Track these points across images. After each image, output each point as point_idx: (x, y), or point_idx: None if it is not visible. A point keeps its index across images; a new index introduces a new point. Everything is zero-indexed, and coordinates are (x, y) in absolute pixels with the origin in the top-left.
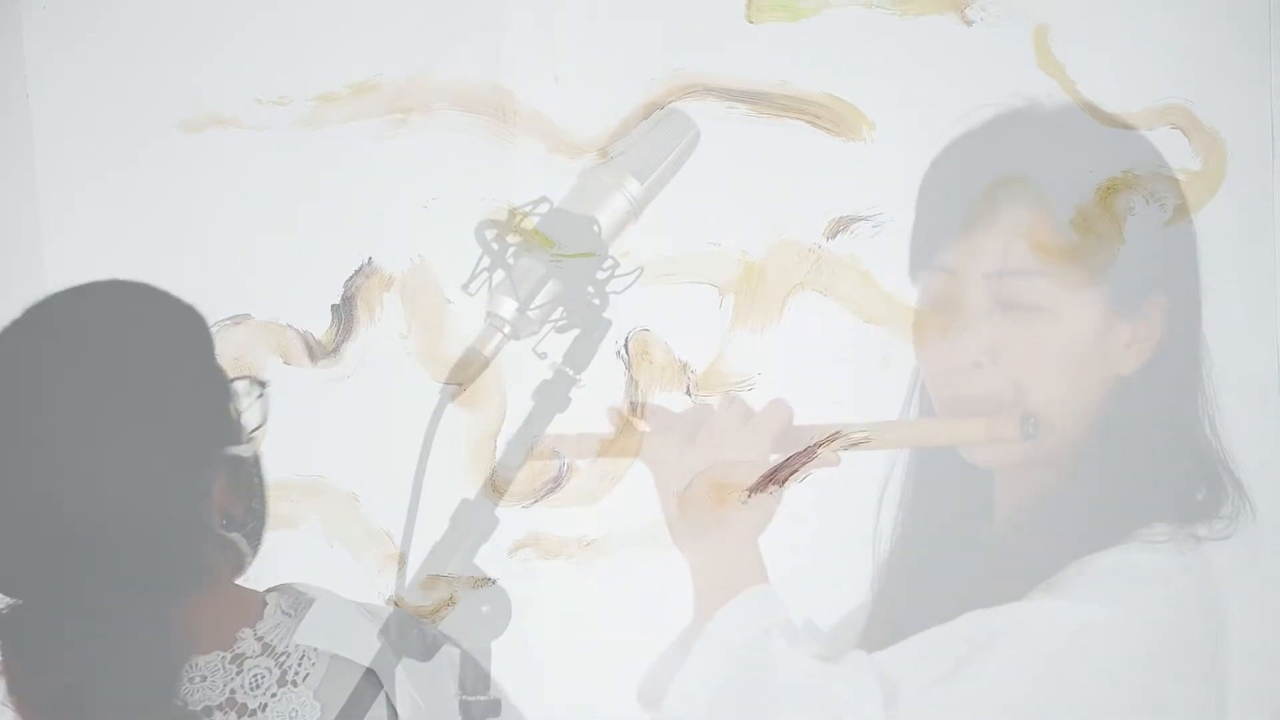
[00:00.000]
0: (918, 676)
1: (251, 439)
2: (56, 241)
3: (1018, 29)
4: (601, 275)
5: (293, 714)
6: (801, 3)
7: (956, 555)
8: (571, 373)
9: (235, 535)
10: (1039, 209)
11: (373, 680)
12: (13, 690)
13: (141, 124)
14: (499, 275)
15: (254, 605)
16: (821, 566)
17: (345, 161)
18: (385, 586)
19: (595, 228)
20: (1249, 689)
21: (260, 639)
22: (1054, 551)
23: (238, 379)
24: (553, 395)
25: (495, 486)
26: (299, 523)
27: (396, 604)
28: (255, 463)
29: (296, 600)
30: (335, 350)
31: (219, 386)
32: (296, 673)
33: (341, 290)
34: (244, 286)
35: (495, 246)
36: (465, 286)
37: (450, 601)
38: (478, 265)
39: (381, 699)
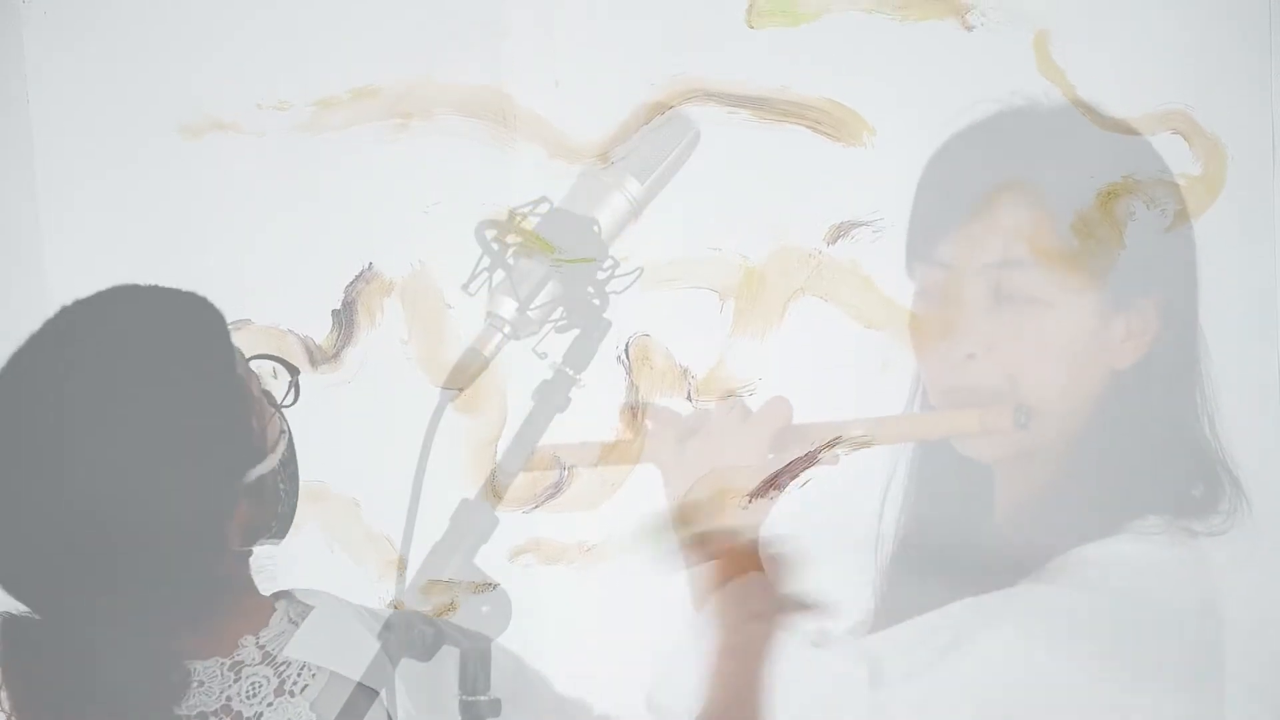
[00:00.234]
0: (906, 660)
1: (285, 408)
2: (57, 247)
3: (1018, 34)
4: (601, 275)
5: None
6: (802, 7)
7: (959, 553)
8: (571, 373)
9: (254, 547)
10: (1038, 209)
11: (370, 692)
12: (14, 699)
13: (142, 129)
14: (499, 275)
15: (261, 612)
16: (826, 568)
17: (345, 166)
18: (386, 591)
19: (595, 228)
20: (1248, 686)
21: (262, 647)
22: (1052, 545)
23: (258, 356)
24: (553, 395)
25: (495, 491)
26: (300, 528)
27: (396, 608)
28: (279, 470)
29: (305, 610)
30: (336, 355)
31: (240, 400)
32: (295, 683)
33: (342, 295)
34: (244, 291)
35: (495, 247)
36: (465, 286)
37: (451, 607)
38: (478, 265)
39: (379, 709)
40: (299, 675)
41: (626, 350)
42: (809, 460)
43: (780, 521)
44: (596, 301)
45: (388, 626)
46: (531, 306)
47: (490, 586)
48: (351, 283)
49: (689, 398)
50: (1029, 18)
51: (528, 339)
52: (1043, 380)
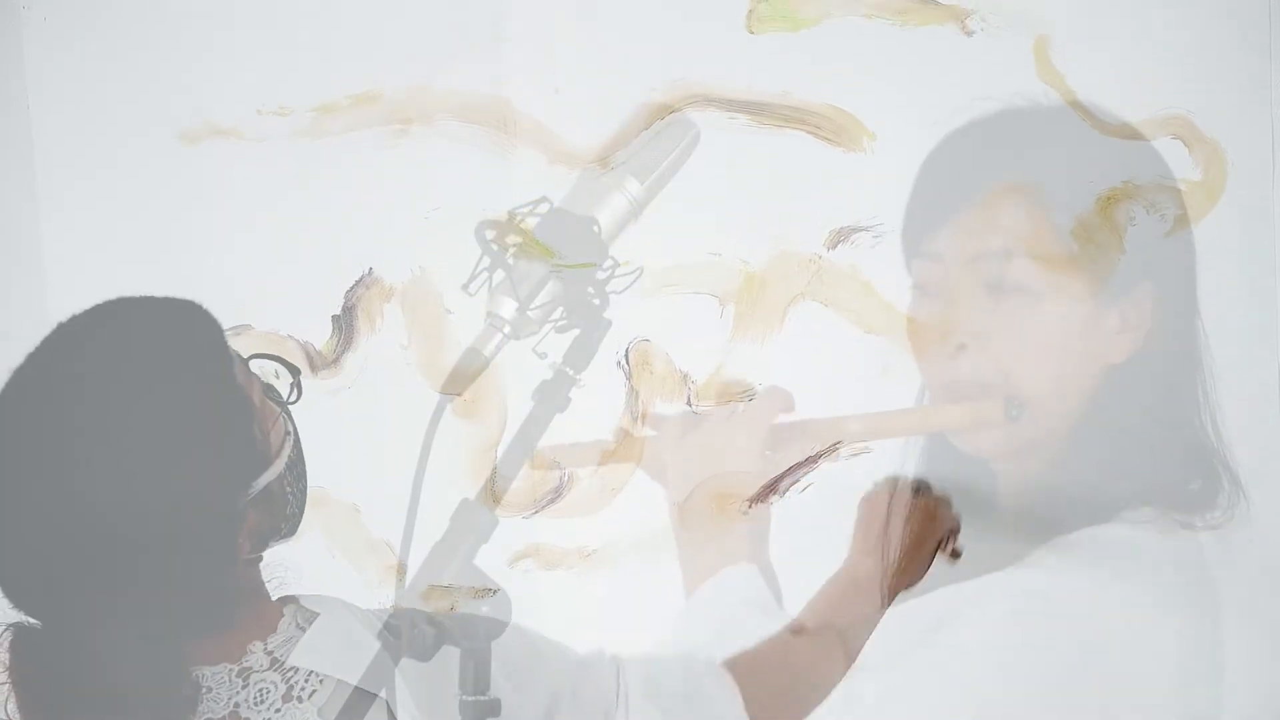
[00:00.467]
0: (885, 645)
1: (289, 406)
2: (57, 252)
3: (1018, 39)
4: (602, 275)
5: None
6: (802, 13)
7: (966, 557)
8: (571, 373)
9: (264, 552)
10: (1037, 212)
11: (377, 699)
12: (25, 710)
13: (141, 134)
14: (499, 275)
15: (269, 618)
16: (831, 566)
17: (346, 172)
18: (386, 597)
19: (595, 228)
20: (1245, 681)
21: (270, 653)
22: (1047, 535)
23: (257, 356)
24: (553, 395)
25: (494, 495)
26: (300, 534)
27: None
28: (286, 474)
29: (312, 616)
30: (336, 361)
31: (240, 410)
32: (303, 689)
33: (342, 301)
34: (244, 297)
35: (495, 247)
36: (465, 286)
37: (451, 610)
38: (478, 265)
39: (382, 707)
40: (306, 681)
41: (626, 355)
42: (809, 465)
43: (787, 524)
44: (596, 301)
45: (388, 626)
46: (531, 306)
47: (490, 592)
48: (352, 288)
49: (689, 403)
50: (1029, 23)
51: (528, 339)
52: (1035, 373)
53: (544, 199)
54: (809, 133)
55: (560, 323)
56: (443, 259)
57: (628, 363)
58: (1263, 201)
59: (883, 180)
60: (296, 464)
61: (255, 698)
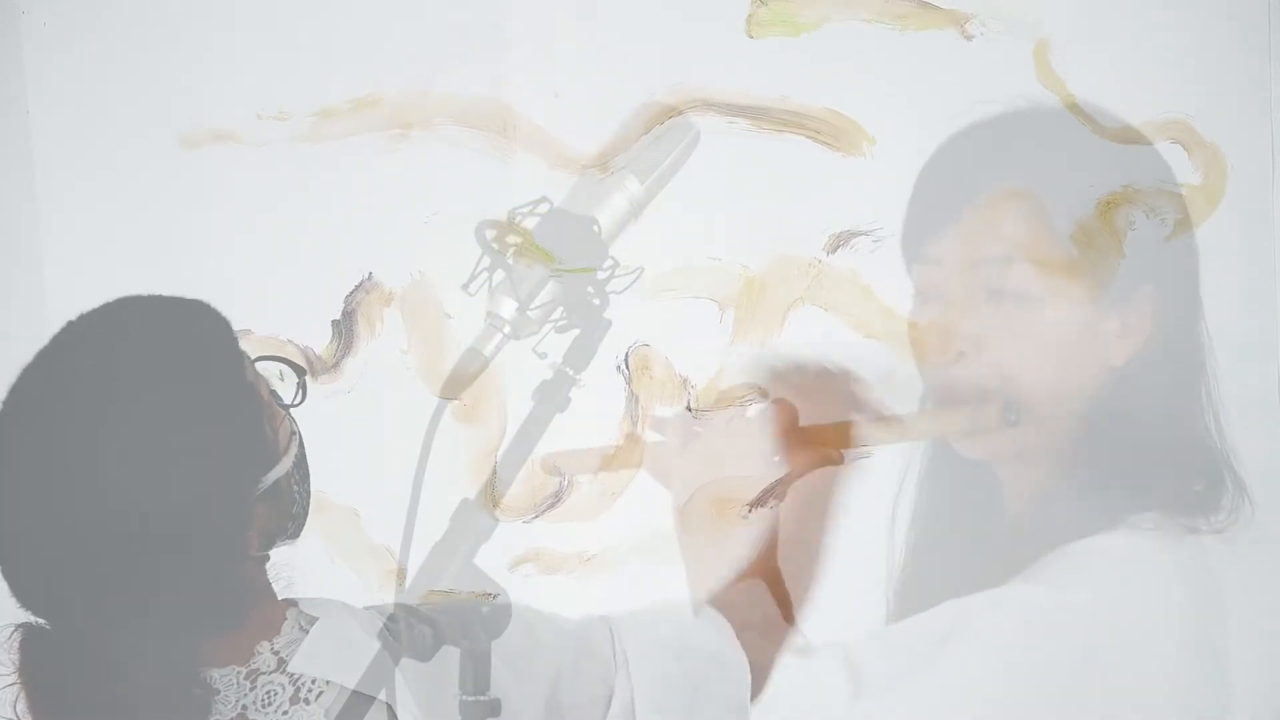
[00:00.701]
0: (890, 664)
1: (293, 408)
2: (56, 257)
3: (1018, 43)
4: (602, 275)
5: None
6: (802, 18)
7: (971, 557)
8: (571, 373)
9: (271, 552)
10: (1037, 217)
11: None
12: (36, 711)
13: (141, 139)
14: (499, 275)
15: (274, 618)
16: (836, 578)
17: (346, 177)
18: (386, 601)
19: (595, 228)
20: (1252, 686)
21: (276, 653)
22: (1051, 543)
23: (263, 358)
24: (553, 396)
25: (493, 498)
26: (301, 538)
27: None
28: (293, 472)
29: (313, 620)
30: (336, 365)
31: (252, 406)
32: (310, 690)
33: (342, 305)
34: (244, 301)
35: (495, 247)
36: (465, 286)
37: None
38: (478, 265)
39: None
40: (313, 683)
41: (626, 359)
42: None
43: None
44: (596, 301)
45: (389, 627)
46: (531, 306)
47: (491, 597)
48: (351, 293)
49: (689, 407)
50: (1028, 27)
51: (528, 339)
52: (1036, 377)
53: (544, 199)
54: (809, 137)
55: (560, 323)
56: (442, 264)
57: (627, 367)
58: (1263, 205)
59: (882, 185)
60: (302, 464)
61: (263, 700)
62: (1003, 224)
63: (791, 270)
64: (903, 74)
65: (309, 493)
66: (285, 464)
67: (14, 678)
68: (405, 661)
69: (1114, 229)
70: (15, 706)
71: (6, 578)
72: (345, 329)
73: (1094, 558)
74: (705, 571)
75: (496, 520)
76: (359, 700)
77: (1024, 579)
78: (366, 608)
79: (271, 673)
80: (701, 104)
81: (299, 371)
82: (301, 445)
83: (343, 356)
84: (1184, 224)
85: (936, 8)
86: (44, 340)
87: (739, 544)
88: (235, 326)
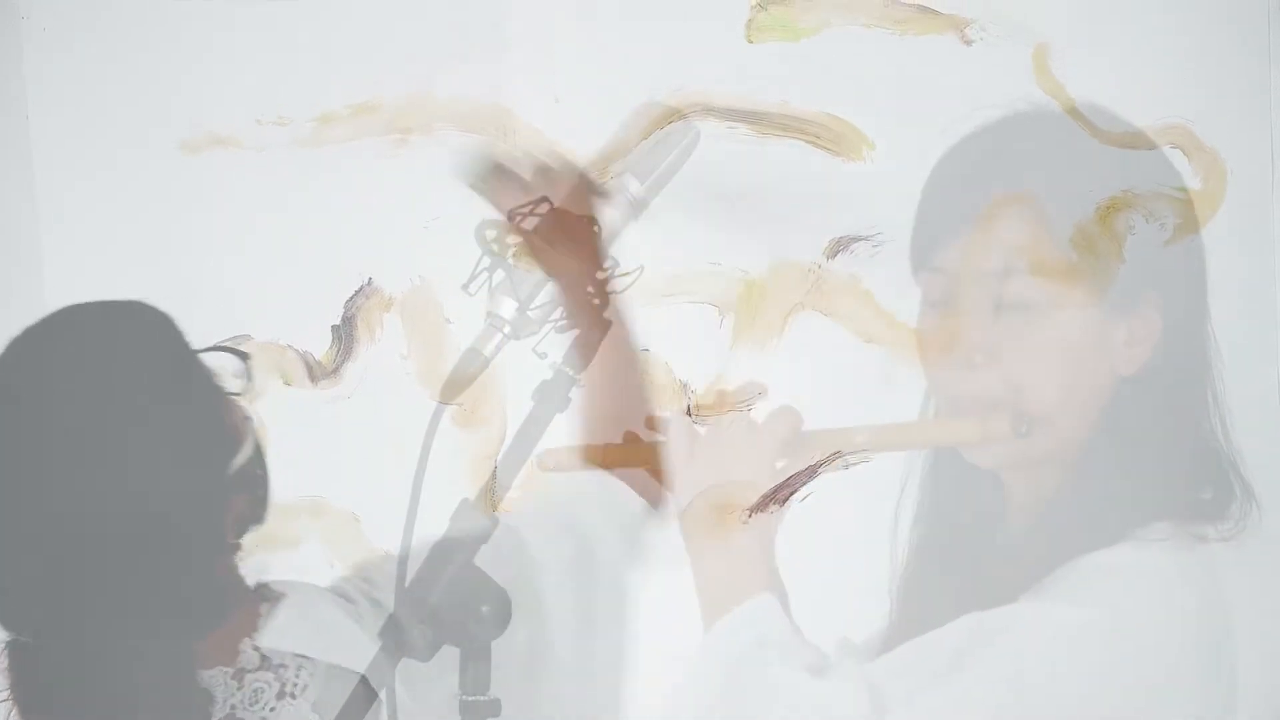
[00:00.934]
0: (908, 682)
1: (243, 395)
2: (56, 262)
3: (1017, 48)
4: (602, 275)
5: None
6: (801, 22)
7: (974, 565)
8: (571, 373)
9: (245, 538)
10: (1038, 222)
11: (370, 692)
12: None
13: (141, 144)
14: (499, 275)
15: (252, 612)
16: (839, 579)
17: (345, 182)
18: (386, 601)
19: (595, 227)
20: (1257, 692)
21: (258, 649)
22: (1062, 554)
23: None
24: (553, 395)
25: (493, 501)
26: (299, 543)
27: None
28: (255, 456)
29: (279, 598)
30: (336, 371)
31: (208, 394)
32: (294, 685)
33: (342, 311)
34: (244, 307)
35: (495, 247)
36: (465, 286)
37: None
38: (478, 265)
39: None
40: (297, 677)
41: None
42: (809, 474)
43: (791, 534)
44: (597, 301)
45: (389, 627)
46: (531, 306)
47: (490, 597)
48: (351, 298)
49: (689, 413)
50: (1028, 32)
51: (528, 339)
52: (1045, 387)
53: (544, 199)
54: (808, 142)
55: (560, 323)
56: (442, 269)
57: None
58: (1263, 210)
59: (882, 190)
60: (259, 448)
61: (250, 698)
62: (1006, 233)
63: (791, 275)
64: (903, 79)
65: (268, 475)
66: (247, 449)
67: (5, 694)
68: (405, 661)
69: (1113, 233)
70: None
71: None
72: (345, 334)
73: (1108, 572)
74: (720, 597)
75: (498, 520)
76: (359, 700)
77: (1037, 594)
78: (330, 586)
79: (256, 670)
80: (701, 108)
81: (242, 357)
82: (254, 429)
83: (343, 362)
84: (1184, 228)
85: (936, 13)
86: None
87: (754, 566)
88: (235, 331)
